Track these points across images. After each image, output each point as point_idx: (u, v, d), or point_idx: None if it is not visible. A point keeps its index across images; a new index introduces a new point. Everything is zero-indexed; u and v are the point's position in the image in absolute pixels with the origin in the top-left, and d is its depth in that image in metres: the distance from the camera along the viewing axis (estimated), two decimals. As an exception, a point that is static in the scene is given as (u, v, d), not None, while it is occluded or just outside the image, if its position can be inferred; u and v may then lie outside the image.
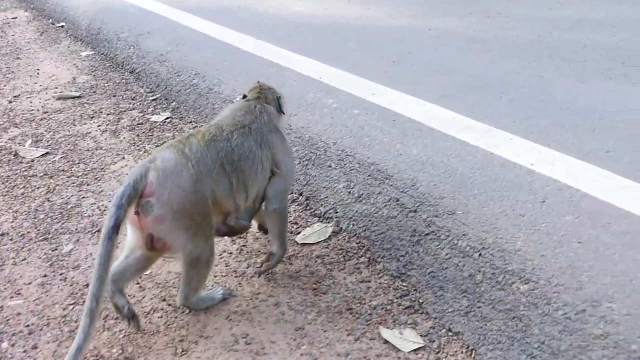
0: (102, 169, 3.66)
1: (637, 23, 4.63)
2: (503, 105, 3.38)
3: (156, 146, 3.88)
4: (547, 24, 4.65)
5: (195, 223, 2.08)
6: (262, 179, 2.33)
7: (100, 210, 3.17)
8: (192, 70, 4.69)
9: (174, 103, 4.51)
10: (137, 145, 3.92)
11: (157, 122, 4.25)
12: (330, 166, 3.11)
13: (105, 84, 5.06)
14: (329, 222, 2.83)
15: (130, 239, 2.18)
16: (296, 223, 2.90)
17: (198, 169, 2.10)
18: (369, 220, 2.71)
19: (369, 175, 2.92)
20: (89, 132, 4.18)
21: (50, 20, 7.41)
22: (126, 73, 5.26)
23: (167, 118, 4.29)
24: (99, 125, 4.27)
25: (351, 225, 2.75)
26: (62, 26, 7.04)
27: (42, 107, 4.71)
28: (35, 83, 5.25)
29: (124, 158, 3.77)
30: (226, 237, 2.68)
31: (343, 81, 3.89)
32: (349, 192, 2.90)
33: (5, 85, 5.27)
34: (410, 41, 4.58)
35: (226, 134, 2.28)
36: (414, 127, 3.23)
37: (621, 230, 2.23)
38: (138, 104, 4.60)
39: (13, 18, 7.80)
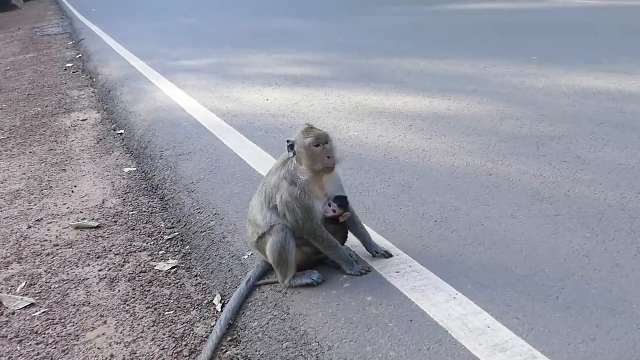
0: (77, 336, 3.15)
1: None
2: (558, 313, 2.56)
3: (147, 308, 3.34)
4: (636, 179, 3.79)
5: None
6: None
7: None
8: (213, 209, 4.19)
9: (187, 247, 4.00)
10: (127, 305, 3.39)
11: (161, 271, 3.74)
12: (317, 384, 2.40)
13: (130, 212, 4.66)
14: None
15: None
16: None
17: None
18: None
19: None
20: (86, 279, 3.73)
21: (114, 125, 7.29)
22: (156, 199, 4.86)
23: (173, 267, 3.77)
24: (100, 270, 3.81)
25: None
26: (120, 133, 6.87)
27: (57, 237, 4.34)
28: (64, 204, 4.95)
29: (105, 322, 3.25)
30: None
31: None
32: None
33: (36, 205, 5.01)
34: (462, 191, 3.85)
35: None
36: (433, 335, 2.48)
37: None
38: (152, 242, 4.13)
39: (82, 120, 7.79)
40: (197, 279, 3.60)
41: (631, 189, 3.65)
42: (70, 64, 12.44)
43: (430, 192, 3.88)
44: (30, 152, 6.54)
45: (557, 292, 2.70)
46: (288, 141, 3.01)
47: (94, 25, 18.24)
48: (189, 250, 3.94)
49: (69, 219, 4.65)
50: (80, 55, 13.44)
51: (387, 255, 3.13)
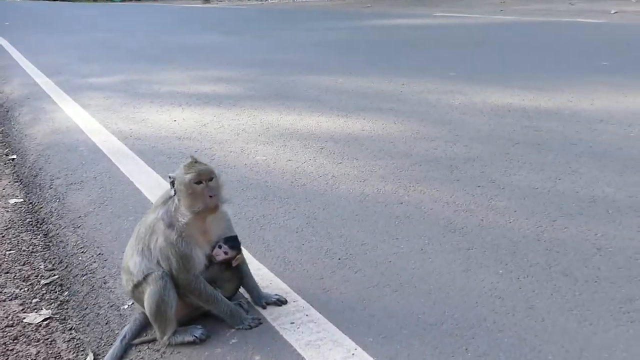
0: None
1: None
2: (466, 369, 2.26)
3: (6, 372, 2.85)
4: (551, 205, 3.58)
5: None
6: None
7: None
8: (97, 248, 3.74)
9: (66, 293, 3.53)
10: (-17, 369, 2.88)
11: (30, 325, 3.25)
12: None
13: (8, 252, 4.13)
14: None
15: None
16: None
17: None
18: None
19: None
20: (-59, 337, 3.18)
21: (7, 150, 6.67)
22: (39, 236, 4.34)
23: (45, 319, 3.29)
24: (-44, 326, 3.28)
25: None
26: (12, 159, 6.27)
27: None
28: None
29: (-49, 395, 2.73)
30: None
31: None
32: None
33: None
34: (371, 222, 3.55)
35: None
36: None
37: None
38: (26, 288, 3.63)
39: (-27, 143, 7.09)
40: (71, 334, 3.14)
41: (546, 217, 3.44)
42: (-31, 83, 11.58)
43: (336, 225, 3.56)
44: None
45: (467, 343, 2.40)
46: (170, 177, 2.61)
47: (3, 39, 17.27)
48: (67, 298, 3.47)
49: None
50: (-18, 73, 12.57)
51: (280, 302, 2.77)
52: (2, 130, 7.58)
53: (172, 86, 8.29)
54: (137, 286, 2.64)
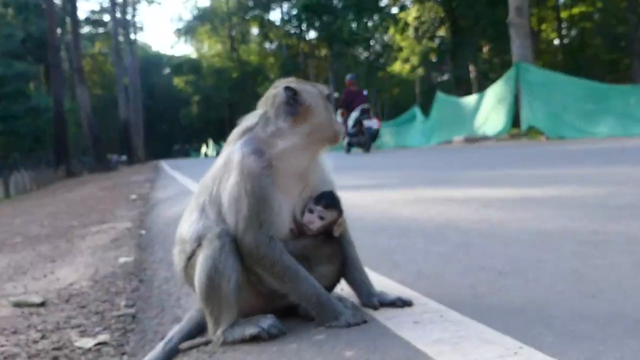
0: None
1: None
2: None
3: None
4: None
5: None
6: None
7: None
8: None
9: (135, 322, 2.74)
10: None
11: (80, 349, 2.48)
12: None
13: (95, 292, 3.51)
14: None
15: None
16: None
17: None
18: None
19: None
20: (-22, 360, 2.50)
21: (139, 230, 6.36)
22: (133, 282, 3.69)
23: (99, 344, 2.49)
24: (2, 345, 2.59)
25: None
26: (141, 234, 5.91)
27: (-15, 315, 3.20)
28: (25, 286, 3.88)
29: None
30: None
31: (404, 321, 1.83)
32: None
33: (-4, 285, 3.95)
34: (553, 246, 2.46)
35: None
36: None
37: None
38: (95, 319, 2.91)
39: (112, 227, 6.92)
40: (121, 358, 2.30)
41: None
42: (135, 196, 12.04)
43: (499, 247, 2.52)
44: (33, 249, 5.65)
45: None
46: (288, 89, 1.73)
47: (176, 172, 18.32)
48: (134, 326, 2.68)
49: (18, 297, 3.53)
50: (149, 192, 13.12)
51: (402, 303, 1.74)
52: (142, 219, 7.41)
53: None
54: (190, 258, 1.78)
